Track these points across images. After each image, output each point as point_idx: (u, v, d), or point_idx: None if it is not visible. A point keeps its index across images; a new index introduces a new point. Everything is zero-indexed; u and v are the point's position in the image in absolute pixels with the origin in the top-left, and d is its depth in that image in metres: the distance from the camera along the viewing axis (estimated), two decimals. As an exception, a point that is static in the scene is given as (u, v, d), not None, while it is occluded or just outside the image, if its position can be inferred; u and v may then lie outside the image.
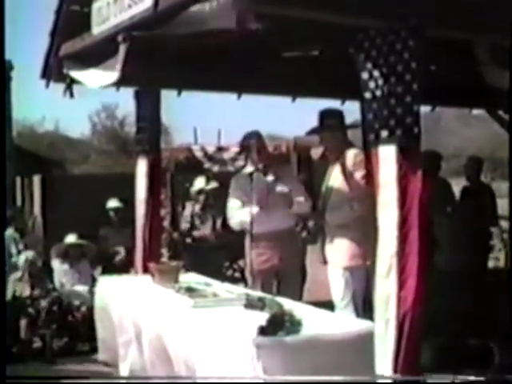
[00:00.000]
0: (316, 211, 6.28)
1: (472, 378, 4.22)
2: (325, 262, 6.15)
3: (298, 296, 6.42)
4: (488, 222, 8.91)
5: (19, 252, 9.32)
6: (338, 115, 6.23)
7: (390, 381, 4.10)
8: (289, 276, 6.62)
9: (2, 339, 5.80)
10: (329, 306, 5.78)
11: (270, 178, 6.59)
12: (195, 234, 9.00)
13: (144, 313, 5.62)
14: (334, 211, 6.01)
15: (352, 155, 5.96)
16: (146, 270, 6.86)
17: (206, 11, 4.36)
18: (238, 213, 6.68)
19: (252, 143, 6.69)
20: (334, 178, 6.07)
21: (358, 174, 5.87)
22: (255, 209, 6.40)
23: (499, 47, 4.90)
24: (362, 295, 5.85)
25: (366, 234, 5.74)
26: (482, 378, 4.36)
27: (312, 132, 6.37)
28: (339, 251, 5.96)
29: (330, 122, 6.12)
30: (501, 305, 6.25)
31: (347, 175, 5.93)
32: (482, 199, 8.71)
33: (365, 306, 5.67)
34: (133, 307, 5.90)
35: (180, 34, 4.82)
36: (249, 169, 6.68)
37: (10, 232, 9.78)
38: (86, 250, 9.38)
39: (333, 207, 6.03)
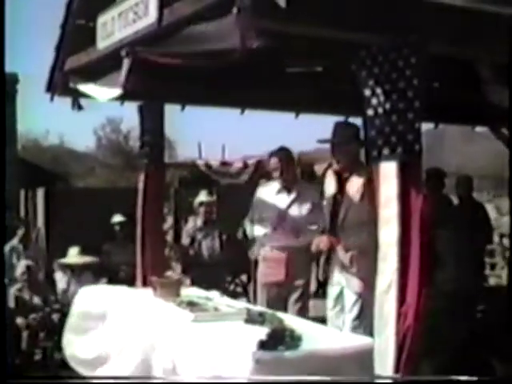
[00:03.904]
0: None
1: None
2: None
3: (303, 311, 6.49)
4: (482, 239, 8.88)
5: None
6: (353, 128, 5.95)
7: (389, 381, 4.10)
8: (295, 292, 6.64)
9: (3, 340, 5.80)
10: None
11: (293, 195, 6.68)
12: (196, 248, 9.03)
13: (144, 325, 5.62)
14: (353, 234, 5.65)
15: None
16: (145, 283, 6.93)
17: (209, 29, 4.39)
18: (252, 227, 6.88)
19: (279, 159, 6.73)
20: (352, 197, 5.69)
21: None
22: (269, 228, 6.61)
23: (502, 65, 4.93)
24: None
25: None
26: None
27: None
28: (355, 276, 5.71)
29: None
30: (501, 321, 6.25)
31: (369, 195, 5.31)
32: (474, 217, 8.65)
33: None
34: (133, 319, 5.89)
35: (183, 52, 4.85)
36: (274, 185, 6.79)
37: (13, 243, 9.82)
38: (89, 263, 9.40)
39: (351, 229, 5.68)
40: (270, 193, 6.78)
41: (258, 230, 6.83)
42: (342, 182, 5.81)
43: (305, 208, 6.60)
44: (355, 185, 5.67)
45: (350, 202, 5.70)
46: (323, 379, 4.03)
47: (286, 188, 6.70)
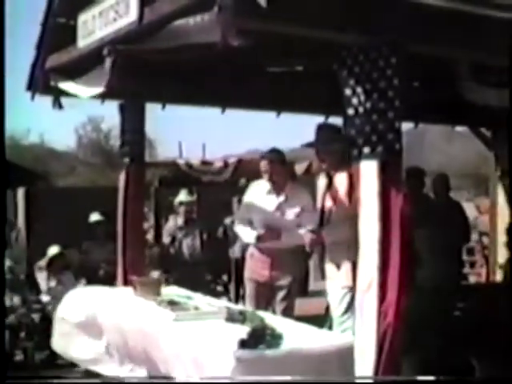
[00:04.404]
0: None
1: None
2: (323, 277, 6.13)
3: (289, 311, 6.49)
4: (460, 237, 8.91)
5: None
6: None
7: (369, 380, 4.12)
8: (281, 292, 6.64)
9: (2, 340, 5.78)
10: (318, 320, 5.80)
11: (281, 198, 6.61)
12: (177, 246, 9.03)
13: (127, 322, 5.61)
14: (335, 229, 5.78)
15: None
16: (126, 282, 6.93)
17: (190, 25, 4.39)
18: (244, 230, 6.79)
19: (269, 161, 6.62)
20: (337, 195, 5.82)
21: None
22: (256, 229, 6.57)
23: (480, 64, 4.97)
24: None
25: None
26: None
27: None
28: (341, 270, 5.77)
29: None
30: (482, 319, 6.29)
31: (353, 190, 5.42)
32: (451, 215, 8.68)
33: None
34: (116, 317, 5.88)
35: (164, 47, 4.85)
36: (265, 185, 6.66)
37: None
38: (70, 261, 9.36)
39: (335, 224, 5.81)
40: (259, 193, 6.70)
41: (243, 230, 6.79)
42: (330, 181, 5.89)
43: (292, 211, 6.53)
44: (340, 182, 5.76)
45: (335, 200, 5.79)
46: (303, 379, 4.04)
47: (276, 190, 6.64)
